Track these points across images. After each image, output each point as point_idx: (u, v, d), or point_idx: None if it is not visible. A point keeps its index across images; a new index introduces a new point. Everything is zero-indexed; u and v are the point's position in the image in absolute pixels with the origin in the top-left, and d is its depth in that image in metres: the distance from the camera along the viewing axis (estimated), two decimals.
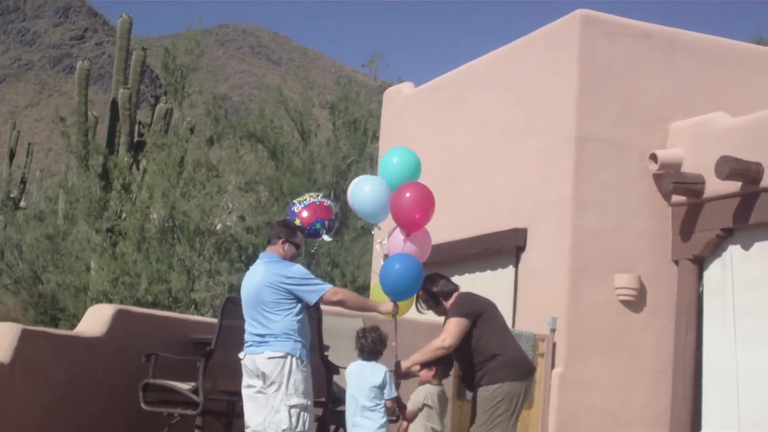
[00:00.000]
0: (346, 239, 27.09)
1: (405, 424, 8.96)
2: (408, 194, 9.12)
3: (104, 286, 26.56)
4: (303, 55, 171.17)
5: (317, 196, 9.96)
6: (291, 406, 8.27)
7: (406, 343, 9.28)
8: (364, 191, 9.30)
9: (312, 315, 8.79)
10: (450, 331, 8.63)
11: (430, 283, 9.00)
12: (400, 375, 8.81)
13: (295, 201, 9.93)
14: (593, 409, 13.32)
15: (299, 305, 8.44)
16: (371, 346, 8.60)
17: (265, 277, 8.43)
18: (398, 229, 9.20)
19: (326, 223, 9.74)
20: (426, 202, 9.21)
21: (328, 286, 8.49)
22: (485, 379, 8.63)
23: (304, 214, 9.67)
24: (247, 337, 8.51)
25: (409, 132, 17.49)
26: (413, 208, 9.13)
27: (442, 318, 8.95)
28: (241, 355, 8.51)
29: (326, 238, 9.83)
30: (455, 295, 8.97)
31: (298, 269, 8.49)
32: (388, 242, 9.28)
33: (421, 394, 9.02)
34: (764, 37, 34.21)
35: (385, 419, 8.51)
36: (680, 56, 14.34)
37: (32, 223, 35.80)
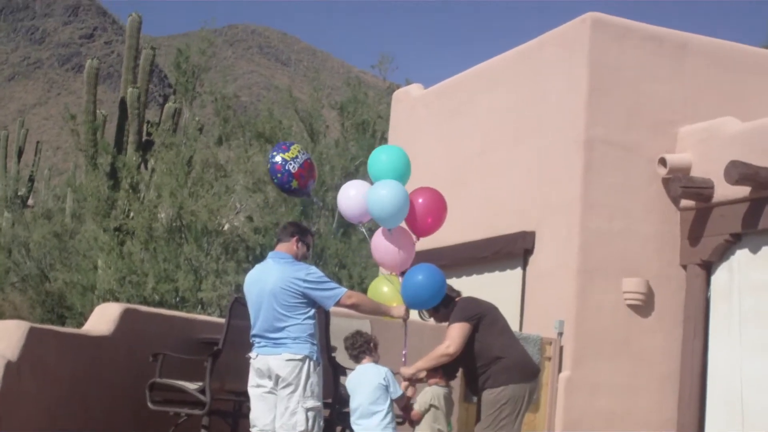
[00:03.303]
0: (354, 240, 27.10)
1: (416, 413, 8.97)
2: (421, 200, 9.14)
3: (111, 284, 26.57)
4: (312, 56, 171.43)
5: (300, 149, 9.27)
6: (308, 409, 8.25)
7: (411, 346, 9.26)
8: (380, 194, 9.19)
9: (319, 316, 8.76)
10: (453, 337, 8.62)
11: None
12: (411, 382, 8.85)
13: (281, 155, 9.10)
14: (600, 412, 13.30)
15: (314, 308, 8.43)
16: (360, 351, 8.67)
17: (281, 279, 8.35)
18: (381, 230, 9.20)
19: (313, 183, 9.50)
20: (439, 207, 9.26)
21: (344, 290, 8.45)
22: (489, 382, 8.63)
23: (301, 174, 9.14)
24: (257, 338, 8.46)
25: (418, 134, 17.49)
26: (426, 214, 9.16)
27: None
28: (252, 354, 8.46)
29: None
30: (456, 300, 8.97)
31: (315, 272, 8.44)
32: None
33: (427, 395, 9.04)
34: None
35: (390, 419, 8.49)
36: (690, 60, 14.32)
37: (40, 222, 35.86)
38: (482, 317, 8.73)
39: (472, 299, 9.00)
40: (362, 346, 8.72)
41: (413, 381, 8.94)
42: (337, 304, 8.46)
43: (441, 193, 9.32)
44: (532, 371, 8.85)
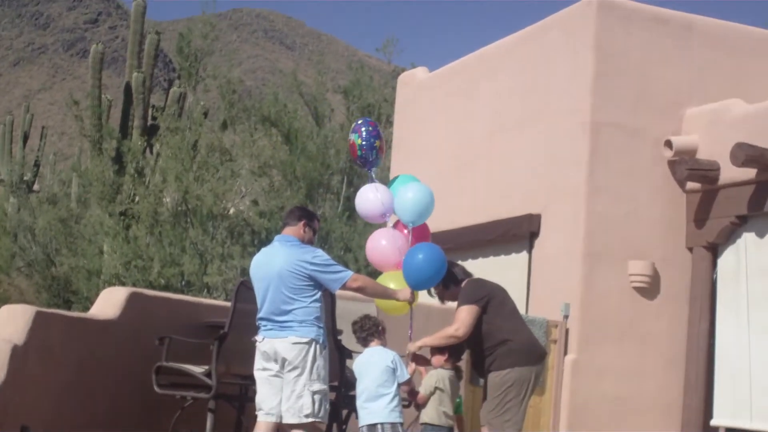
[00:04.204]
0: (359, 223, 27.06)
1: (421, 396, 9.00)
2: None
3: (117, 269, 26.59)
4: (316, 40, 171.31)
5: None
6: (314, 392, 8.27)
7: (418, 328, 9.28)
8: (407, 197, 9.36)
9: (325, 299, 8.77)
10: (463, 320, 8.65)
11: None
12: (417, 361, 8.88)
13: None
14: (605, 395, 13.31)
15: (320, 291, 8.44)
16: (368, 333, 8.70)
17: (288, 262, 8.36)
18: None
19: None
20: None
21: (350, 273, 8.46)
22: (495, 364, 8.66)
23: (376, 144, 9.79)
24: (263, 321, 8.47)
25: (424, 117, 17.48)
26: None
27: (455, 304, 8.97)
28: (258, 338, 8.46)
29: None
30: (465, 281, 8.99)
31: (321, 255, 8.45)
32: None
33: (432, 378, 9.05)
34: None
35: (397, 402, 8.51)
36: (696, 42, 14.29)
37: (45, 207, 35.85)
38: (491, 299, 8.75)
39: (480, 281, 9.02)
40: (370, 329, 8.75)
41: (421, 363, 8.97)
42: (343, 287, 8.48)
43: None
44: (538, 354, 8.87)
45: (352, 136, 9.74)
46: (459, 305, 8.80)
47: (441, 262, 8.88)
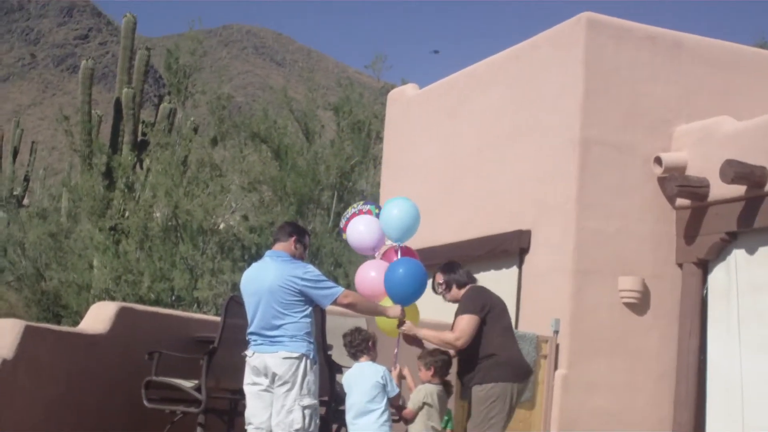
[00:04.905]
0: None
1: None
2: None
3: (107, 283, 26.56)
4: (306, 56, 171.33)
5: (357, 205, 10.04)
6: (305, 407, 8.28)
7: (404, 346, 9.29)
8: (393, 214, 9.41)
9: (316, 314, 8.79)
10: (464, 330, 8.72)
11: (449, 270, 9.17)
12: (407, 340, 8.93)
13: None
14: (596, 411, 13.31)
15: (311, 306, 8.45)
16: (357, 349, 8.70)
17: (278, 277, 8.39)
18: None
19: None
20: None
21: (341, 289, 8.49)
22: (479, 376, 8.71)
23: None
24: (253, 336, 8.48)
25: (413, 133, 17.51)
26: None
27: (448, 322, 9.01)
28: (248, 352, 8.48)
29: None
30: (468, 287, 9.04)
31: (312, 270, 8.47)
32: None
33: (421, 393, 9.06)
34: None
35: (386, 417, 8.53)
36: (685, 60, 14.33)
37: (35, 221, 35.82)
38: (490, 310, 8.81)
39: (483, 289, 9.07)
40: (360, 345, 8.77)
41: (410, 342, 9.04)
42: (334, 302, 8.51)
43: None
44: (524, 372, 8.91)
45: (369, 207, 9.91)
46: (460, 312, 8.85)
47: (421, 275, 8.98)
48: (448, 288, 9.13)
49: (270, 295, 8.37)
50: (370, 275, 9.34)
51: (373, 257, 9.72)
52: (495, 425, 8.61)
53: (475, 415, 8.69)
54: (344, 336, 8.86)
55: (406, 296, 8.96)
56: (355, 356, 8.79)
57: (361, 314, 9.46)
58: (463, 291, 9.07)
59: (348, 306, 8.64)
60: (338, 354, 10.34)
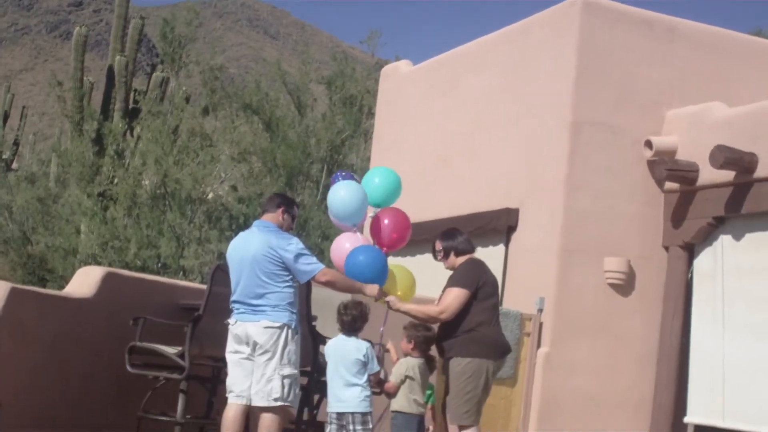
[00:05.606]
0: None
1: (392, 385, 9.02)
2: (387, 220, 9.31)
3: (93, 249, 26.58)
4: (301, 30, 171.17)
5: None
6: (284, 376, 8.31)
7: (392, 322, 9.30)
8: (339, 195, 9.33)
9: (301, 285, 8.79)
10: (450, 305, 8.73)
11: (448, 237, 9.18)
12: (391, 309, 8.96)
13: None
14: (577, 390, 13.36)
15: (293, 276, 8.47)
16: (350, 322, 8.66)
17: (263, 246, 8.42)
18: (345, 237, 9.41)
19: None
20: (403, 226, 9.43)
21: (320, 267, 8.48)
22: (455, 350, 8.74)
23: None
24: (236, 304, 8.50)
25: (405, 110, 17.51)
26: (392, 230, 9.31)
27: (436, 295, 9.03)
28: (231, 320, 8.50)
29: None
30: (467, 257, 9.05)
31: (295, 243, 8.48)
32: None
33: (402, 367, 9.08)
34: (764, 29, 34.22)
35: (368, 392, 8.56)
36: (679, 45, 14.34)
37: (24, 185, 35.80)
38: (482, 286, 8.81)
39: (479, 263, 9.06)
40: (352, 326, 8.68)
41: (383, 350, 9.03)
42: (312, 279, 8.51)
43: (405, 213, 9.53)
44: (501, 350, 8.94)
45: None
46: (452, 284, 8.85)
47: (382, 263, 8.96)
48: (446, 255, 9.13)
49: (254, 264, 8.40)
50: (345, 247, 9.32)
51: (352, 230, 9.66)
52: (470, 400, 8.66)
53: (452, 390, 8.75)
54: (345, 308, 8.75)
55: (370, 280, 8.91)
56: (349, 333, 8.71)
57: (340, 291, 9.43)
58: (461, 260, 9.07)
59: (326, 284, 8.65)
60: (322, 325, 10.36)
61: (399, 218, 9.41)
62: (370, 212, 9.56)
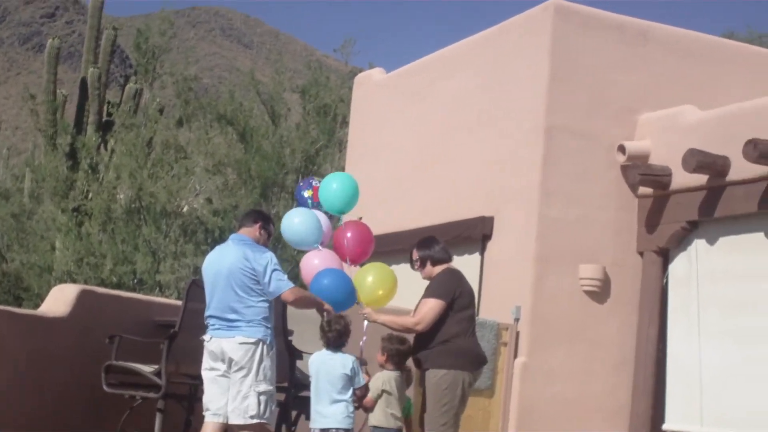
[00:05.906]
0: None
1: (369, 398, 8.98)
2: (349, 234, 9.31)
3: (69, 266, 26.45)
4: (274, 39, 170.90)
5: (314, 181, 9.99)
6: (260, 393, 8.27)
7: (372, 334, 9.25)
8: (294, 222, 9.31)
9: (277, 300, 8.76)
10: (425, 315, 8.70)
11: (425, 246, 9.15)
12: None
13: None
14: (555, 398, 13.36)
15: None
16: (336, 338, 8.59)
17: (238, 258, 8.39)
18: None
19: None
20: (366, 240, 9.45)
21: (288, 287, 8.42)
22: (431, 361, 8.72)
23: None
24: (211, 319, 8.46)
25: (379, 118, 17.49)
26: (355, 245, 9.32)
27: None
28: (205, 337, 8.45)
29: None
30: (444, 267, 9.02)
31: (269, 257, 8.44)
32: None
33: (379, 381, 9.03)
34: (735, 32, 34.38)
35: (352, 408, 8.52)
36: (651, 49, 14.37)
37: None
38: (458, 297, 8.78)
39: (455, 273, 9.02)
40: (336, 340, 8.62)
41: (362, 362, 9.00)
42: (279, 297, 8.47)
43: (368, 227, 9.54)
44: (477, 362, 8.91)
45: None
46: (428, 295, 8.82)
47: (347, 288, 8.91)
48: (423, 265, 9.09)
49: (229, 277, 8.37)
50: (314, 263, 9.28)
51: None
52: (447, 412, 8.63)
53: (429, 403, 8.72)
54: (329, 324, 8.66)
55: (340, 303, 8.88)
56: (335, 348, 8.63)
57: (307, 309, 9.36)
58: (437, 269, 9.04)
59: (292, 303, 8.64)
60: (299, 339, 10.33)
61: (362, 232, 9.41)
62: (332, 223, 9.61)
